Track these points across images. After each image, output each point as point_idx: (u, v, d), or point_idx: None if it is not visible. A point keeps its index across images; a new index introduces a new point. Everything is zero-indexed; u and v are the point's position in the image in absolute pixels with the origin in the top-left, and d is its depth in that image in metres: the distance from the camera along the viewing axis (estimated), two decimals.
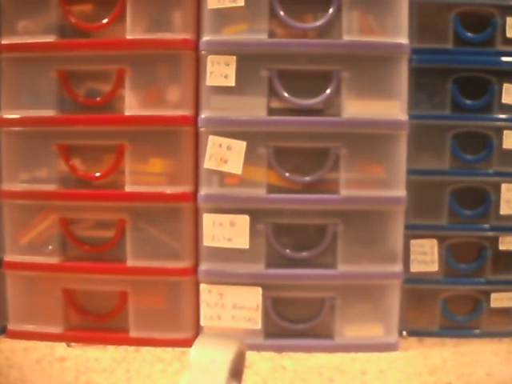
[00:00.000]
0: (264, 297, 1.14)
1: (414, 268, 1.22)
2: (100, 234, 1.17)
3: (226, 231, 1.12)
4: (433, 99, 1.21)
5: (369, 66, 1.12)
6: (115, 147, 1.14)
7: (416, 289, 1.24)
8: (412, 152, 1.20)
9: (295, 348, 1.15)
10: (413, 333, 1.25)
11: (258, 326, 1.14)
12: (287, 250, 1.14)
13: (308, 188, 1.13)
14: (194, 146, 1.14)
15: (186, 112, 1.14)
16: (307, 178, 1.12)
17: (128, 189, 1.15)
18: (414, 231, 1.22)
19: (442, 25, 1.20)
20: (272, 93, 1.12)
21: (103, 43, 1.14)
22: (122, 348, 1.16)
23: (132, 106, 1.14)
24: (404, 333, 1.24)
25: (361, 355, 1.14)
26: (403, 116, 1.13)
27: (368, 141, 1.12)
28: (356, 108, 1.12)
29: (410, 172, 1.19)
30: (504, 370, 1.10)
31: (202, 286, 1.15)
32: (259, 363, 1.11)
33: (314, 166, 1.13)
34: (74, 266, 1.16)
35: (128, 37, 1.13)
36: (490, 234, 1.24)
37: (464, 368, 1.10)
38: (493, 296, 1.25)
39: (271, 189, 1.13)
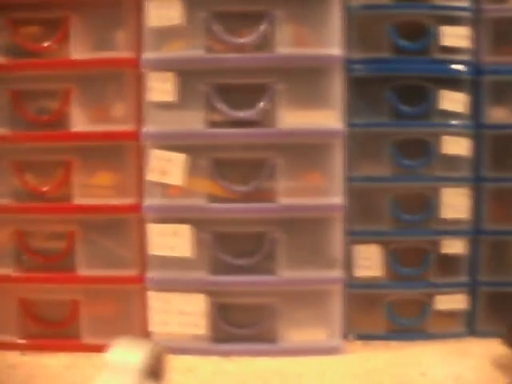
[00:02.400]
0: (209, 303, 1.23)
1: (359, 273, 1.30)
2: (53, 245, 1.27)
3: (170, 240, 1.22)
4: (373, 107, 1.29)
5: (303, 77, 1.20)
6: (64, 162, 1.24)
7: (362, 293, 1.32)
8: (354, 159, 1.28)
9: (240, 352, 1.23)
10: (360, 336, 1.32)
11: (204, 331, 1.23)
12: (228, 258, 1.22)
13: (248, 197, 1.22)
14: (139, 159, 1.24)
15: (131, 127, 1.24)
16: (245, 188, 1.21)
17: (77, 201, 1.25)
18: (357, 237, 1.30)
19: (380, 35, 1.28)
20: (210, 106, 1.21)
21: (49, 63, 1.24)
22: (74, 354, 1.25)
23: (79, 122, 1.24)
24: (351, 336, 1.32)
25: (303, 359, 1.22)
26: (338, 125, 1.21)
27: (304, 150, 1.20)
28: (291, 119, 1.20)
29: (352, 179, 1.28)
30: (439, 370, 1.18)
31: (150, 294, 1.24)
32: (203, 367, 1.19)
33: (253, 175, 1.21)
34: (29, 277, 1.26)
35: (73, 57, 1.23)
36: (432, 238, 1.31)
37: (400, 369, 1.18)
38: (437, 299, 1.32)
39: (212, 199, 1.22)
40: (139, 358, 0.88)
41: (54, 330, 1.27)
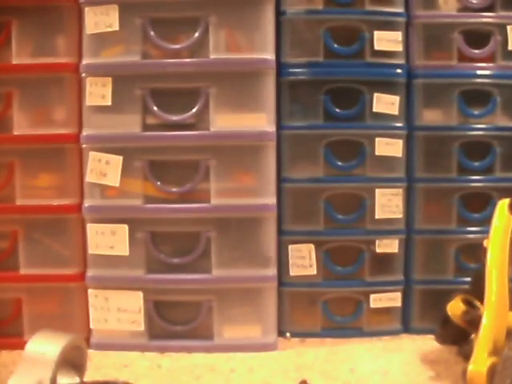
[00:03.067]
0: (146, 300, 1.27)
1: (293, 272, 1.35)
2: None
3: (108, 240, 1.27)
4: (308, 110, 1.34)
5: (236, 81, 1.25)
6: (6, 164, 1.30)
7: (298, 292, 1.37)
8: (289, 161, 1.34)
9: (177, 349, 1.28)
10: (296, 334, 1.37)
11: (141, 327, 1.28)
12: (164, 256, 1.27)
13: (183, 198, 1.27)
14: (79, 161, 1.29)
15: (71, 130, 1.29)
16: (180, 189, 1.26)
17: (19, 202, 1.30)
18: (292, 237, 1.35)
19: (314, 39, 1.33)
20: (146, 110, 1.26)
21: None
22: (16, 352, 1.30)
23: (21, 125, 1.29)
24: (287, 334, 1.37)
25: (237, 355, 1.26)
26: (270, 127, 1.26)
27: (237, 152, 1.25)
28: (224, 122, 1.25)
29: (286, 180, 1.33)
30: (368, 365, 1.22)
31: (90, 291, 1.29)
32: (138, 362, 1.24)
33: (188, 177, 1.26)
34: None
35: (14, 61, 1.28)
36: (366, 237, 1.36)
37: (330, 365, 1.22)
38: (372, 297, 1.37)
39: (148, 199, 1.27)
40: (57, 350, 0.92)
41: None
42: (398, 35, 1.33)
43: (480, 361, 1.05)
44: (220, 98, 1.24)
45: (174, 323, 1.29)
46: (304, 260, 1.33)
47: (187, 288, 1.28)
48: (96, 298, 1.27)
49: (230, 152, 1.24)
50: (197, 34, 1.24)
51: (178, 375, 1.17)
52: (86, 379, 0.97)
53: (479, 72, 1.38)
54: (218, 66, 1.24)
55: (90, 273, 1.28)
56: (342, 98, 1.33)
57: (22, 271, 1.30)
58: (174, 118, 1.25)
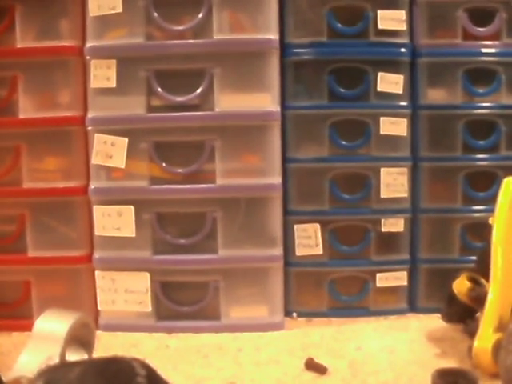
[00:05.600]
0: (152, 281, 1.30)
1: (300, 252, 1.37)
2: (4, 228, 1.35)
3: (115, 221, 1.29)
4: (311, 90, 1.35)
5: (240, 61, 1.26)
6: (13, 148, 1.32)
7: (304, 272, 1.39)
8: (293, 141, 1.35)
9: (184, 329, 1.30)
10: (303, 314, 1.39)
11: (149, 308, 1.30)
12: (169, 237, 1.29)
13: (188, 179, 1.29)
14: (85, 143, 1.31)
15: (76, 113, 1.31)
16: (185, 170, 1.28)
17: (26, 185, 1.32)
18: (297, 217, 1.37)
19: (318, 19, 1.34)
20: (151, 92, 1.28)
21: None
22: (26, 334, 1.32)
23: (26, 109, 1.31)
24: (294, 314, 1.39)
25: (244, 335, 1.28)
26: (275, 107, 1.27)
27: (242, 132, 1.27)
28: (229, 102, 1.27)
29: (291, 160, 1.35)
30: (375, 344, 1.24)
31: (97, 273, 1.31)
32: (147, 342, 1.26)
33: (194, 158, 1.28)
34: None
35: (18, 45, 1.30)
36: (372, 217, 1.38)
37: (337, 343, 1.24)
38: (378, 276, 1.39)
39: (154, 181, 1.29)
40: (65, 327, 0.95)
41: (7, 311, 1.33)
42: (402, 14, 1.34)
43: (485, 337, 1.07)
44: (224, 78, 1.26)
45: (180, 304, 1.31)
46: (310, 240, 1.35)
47: (193, 269, 1.30)
48: (103, 280, 1.30)
49: (234, 132, 1.26)
50: (200, 15, 1.25)
51: (185, 355, 1.19)
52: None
53: (484, 50, 1.39)
54: (221, 47, 1.26)
55: (96, 254, 1.30)
56: (346, 77, 1.35)
57: (30, 254, 1.32)
58: (179, 98, 1.26)
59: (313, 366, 1.09)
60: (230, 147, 1.26)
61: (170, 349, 1.23)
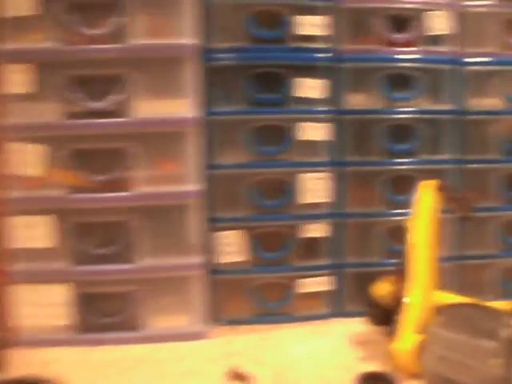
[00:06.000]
0: (73, 293, 1.26)
1: (223, 259, 1.36)
2: None
3: (32, 232, 1.25)
4: (232, 95, 1.34)
5: (158, 67, 1.24)
6: None
7: (228, 279, 1.37)
8: (214, 147, 1.34)
9: (105, 341, 1.26)
10: (228, 321, 1.37)
11: (68, 321, 1.26)
12: (89, 247, 1.26)
13: (107, 187, 1.25)
14: (1, 152, 1.26)
15: None
16: (103, 178, 1.25)
17: None
18: (220, 224, 1.35)
19: (238, 24, 1.33)
20: (68, 98, 1.24)
21: None
22: None
23: None
24: (219, 322, 1.37)
25: (166, 345, 1.26)
26: (193, 113, 1.26)
27: (160, 139, 1.25)
28: (147, 108, 1.24)
29: (214, 167, 1.34)
30: (299, 350, 1.24)
31: (15, 286, 1.27)
32: (68, 357, 1.22)
33: (112, 165, 1.25)
34: None
35: None
36: (293, 222, 1.37)
37: (260, 351, 1.23)
38: (301, 282, 1.39)
39: (72, 189, 1.25)
40: None
41: None
42: (322, 20, 1.34)
43: (406, 339, 1.08)
44: (142, 84, 1.24)
45: (102, 316, 1.27)
46: (233, 247, 1.34)
47: (113, 279, 1.27)
48: (23, 293, 1.25)
49: (153, 139, 1.24)
50: (116, 19, 1.22)
51: (106, 368, 1.16)
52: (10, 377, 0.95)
53: (402, 56, 1.41)
54: (138, 52, 1.24)
55: (16, 267, 1.26)
56: (266, 82, 1.34)
57: None
58: (96, 105, 1.23)
59: (236, 375, 1.07)
60: (149, 154, 1.24)
61: (90, 363, 1.19)
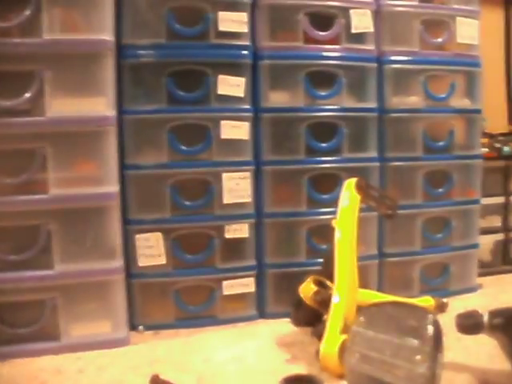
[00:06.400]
0: None
1: (142, 262, 1.31)
2: None
3: None
4: (150, 94, 1.30)
5: (73, 63, 1.19)
6: None
7: (148, 283, 1.33)
8: (132, 147, 1.30)
9: (20, 354, 1.19)
10: (150, 327, 1.33)
11: None
12: (1, 253, 1.19)
13: (20, 190, 1.19)
14: None
15: None
16: (14, 180, 1.18)
17: None
18: (138, 226, 1.31)
19: (157, 20, 1.29)
20: None
21: None
22: None
23: None
24: (140, 327, 1.33)
25: (86, 354, 1.21)
26: (110, 112, 1.21)
27: (76, 139, 1.19)
28: (62, 107, 1.19)
29: (130, 167, 1.29)
30: (223, 354, 1.21)
31: None
32: None
33: (24, 167, 1.19)
34: None
35: None
36: (216, 223, 1.35)
37: (184, 356, 1.20)
38: (224, 284, 1.36)
39: None
40: None
41: None
42: (243, 16, 1.32)
43: (331, 339, 1.07)
44: (56, 81, 1.18)
45: (15, 326, 1.20)
46: (152, 249, 1.30)
47: (28, 286, 1.20)
48: None
49: (68, 139, 1.19)
50: (28, 12, 1.16)
51: (20, 383, 1.09)
52: None
53: (325, 54, 1.40)
54: (52, 47, 1.18)
55: None
56: (186, 80, 1.31)
57: None
58: (6, 103, 1.17)
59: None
60: (64, 155, 1.19)
61: (1, 378, 1.12)
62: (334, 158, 1.40)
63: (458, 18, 1.52)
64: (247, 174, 1.34)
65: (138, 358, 1.20)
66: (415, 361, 0.91)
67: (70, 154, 1.20)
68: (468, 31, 1.53)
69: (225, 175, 1.32)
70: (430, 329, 0.94)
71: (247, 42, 1.34)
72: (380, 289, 1.47)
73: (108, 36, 1.20)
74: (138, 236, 1.30)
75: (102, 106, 1.20)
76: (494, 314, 0.99)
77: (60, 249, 1.21)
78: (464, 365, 1.11)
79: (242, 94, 1.32)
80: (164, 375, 1.04)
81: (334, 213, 1.20)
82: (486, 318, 0.99)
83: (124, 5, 1.27)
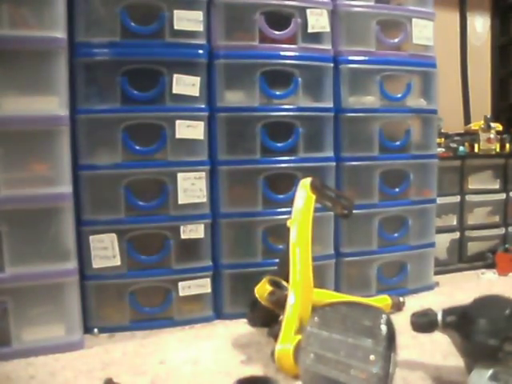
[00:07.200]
0: None
1: (96, 264, 1.29)
2: None
3: None
4: (104, 93, 1.28)
5: (23, 61, 1.16)
6: None
7: (102, 284, 1.31)
8: (85, 147, 1.28)
9: None
10: (105, 329, 1.31)
11: None
12: None
13: None
14: None
15: None
16: None
17: None
18: (92, 227, 1.29)
19: (111, 18, 1.27)
20: None
21: None
22: None
23: None
24: (95, 330, 1.31)
25: (39, 359, 1.18)
26: (62, 111, 1.19)
27: (27, 139, 1.17)
28: (12, 105, 1.16)
29: (83, 167, 1.27)
30: (179, 356, 1.19)
31: None
32: None
33: None
34: None
35: None
36: (171, 223, 1.33)
37: (140, 359, 1.18)
38: (180, 285, 1.35)
39: None
40: None
41: None
42: (199, 15, 1.32)
43: (287, 340, 1.07)
44: (6, 79, 1.15)
45: None
46: (107, 251, 1.29)
47: None
48: None
49: (19, 138, 1.16)
50: None
51: None
52: None
53: (281, 53, 1.40)
54: (2, 44, 1.14)
55: None
56: (140, 79, 1.29)
57: None
58: None
59: None
60: (15, 155, 1.16)
61: None
62: (289, 158, 1.40)
63: (414, 20, 1.53)
64: (202, 173, 1.33)
65: (92, 361, 1.18)
66: (369, 361, 0.91)
67: (21, 154, 1.18)
68: (423, 32, 1.54)
69: (180, 175, 1.31)
70: (384, 328, 0.94)
71: (203, 41, 1.33)
72: (337, 288, 1.47)
73: (60, 34, 1.19)
74: (92, 237, 1.28)
75: (54, 105, 1.19)
76: (447, 312, 1.00)
77: (11, 251, 1.18)
78: (419, 362, 1.12)
79: (197, 94, 1.32)
80: (118, 378, 1.03)
81: (290, 213, 1.20)
82: (439, 317, 0.99)
83: (77, 2, 1.25)
